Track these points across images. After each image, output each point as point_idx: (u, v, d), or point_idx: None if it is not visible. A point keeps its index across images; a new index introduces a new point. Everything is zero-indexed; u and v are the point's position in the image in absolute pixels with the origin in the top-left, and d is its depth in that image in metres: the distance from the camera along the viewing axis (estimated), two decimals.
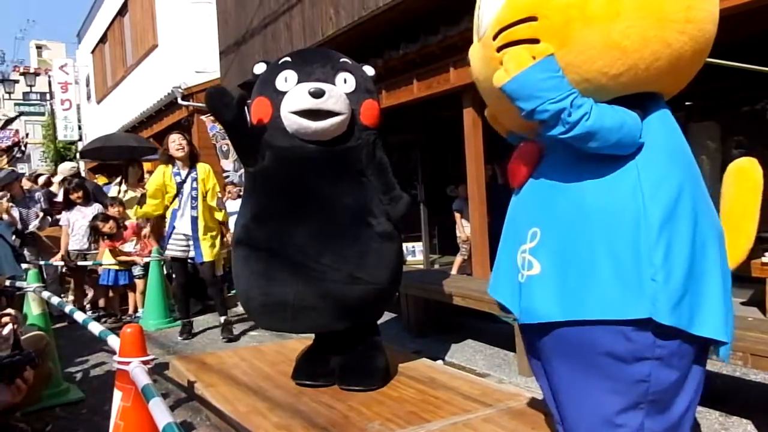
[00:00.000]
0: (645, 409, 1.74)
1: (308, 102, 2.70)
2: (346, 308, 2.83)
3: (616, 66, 1.68)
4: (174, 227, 4.86)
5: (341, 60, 2.99)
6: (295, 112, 2.74)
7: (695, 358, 1.77)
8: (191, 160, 4.90)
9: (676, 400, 1.77)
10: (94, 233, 5.90)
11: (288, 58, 2.97)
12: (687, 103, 5.49)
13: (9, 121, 12.20)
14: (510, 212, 2.05)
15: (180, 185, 4.81)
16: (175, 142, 4.85)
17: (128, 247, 5.94)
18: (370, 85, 3.03)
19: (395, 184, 2.97)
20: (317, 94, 2.69)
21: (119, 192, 6.52)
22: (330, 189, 2.82)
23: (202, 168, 4.95)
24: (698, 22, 1.69)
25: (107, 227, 5.84)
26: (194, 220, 4.82)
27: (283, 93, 2.80)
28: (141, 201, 6.52)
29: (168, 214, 4.92)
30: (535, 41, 1.69)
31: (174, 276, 5.26)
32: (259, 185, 2.95)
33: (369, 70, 3.12)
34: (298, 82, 2.80)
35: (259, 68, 3.05)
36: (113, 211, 5.97)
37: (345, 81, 2.88)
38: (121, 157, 7.01)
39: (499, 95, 1.78)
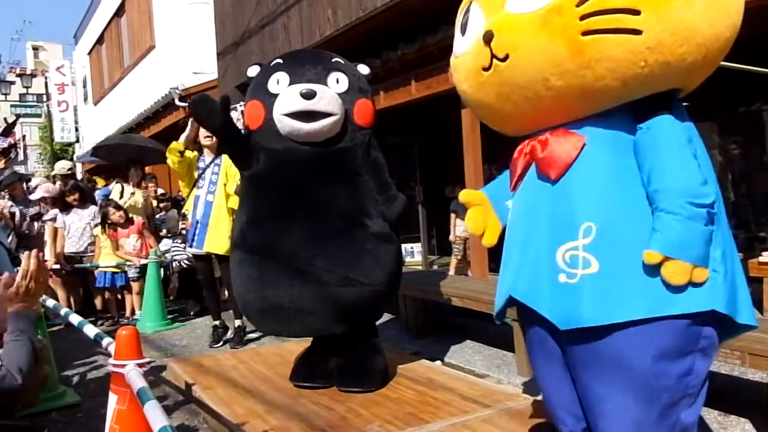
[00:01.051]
0: (683, 404, 1.74)
1: (300, 104, 2.68)
2: (342, 310, 2.81)
3: (694, 54, 1.62)
4: (197, 221, 4.63)
5: (333, 60, 2.96)
6: (287, 114, 2.72)
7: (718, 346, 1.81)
8: (219, 149, 4.81)
9: (703, 390, 1.77)
10: (103, 220, 5.87)
11: (280, 60, 2.95)
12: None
13: (10, 127, 12.18)
14: (537, 208, 1.85)
15: (202, 171, 4.70)
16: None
17: (128, 243, 5.90)
18: (363, 85, 3.00)
19: (391, 184, 2.96)
20: (309, 96, 2.67)
21: (121, 193, 6.48)
22: (324, 190, 2.81)
23: (227, 158, 4.84)
24: (736, 16, 1.68)
25: (117, 215, 5.82)
26: (208, 205, 4.59)
27: (275, 95, 2.78)
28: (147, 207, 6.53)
29: (189, 207, 4.79)
30: (636, 12, 1.57)
31: (200, 277, 5.03)
32: (254, 189, 2.94)
33: (363, 69, 3.09)
34: (290, 83, 2.77)
35: (253, 71, 3.02)
36: (116, 214, 5.92)
37: (337, 81, 2.85)
38: (130, 158, 6.96)
39: (579, 65, 1.65)
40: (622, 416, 1.74)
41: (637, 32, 1.57)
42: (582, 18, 1.61)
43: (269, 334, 3.57)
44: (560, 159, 1.77)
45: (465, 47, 1.91)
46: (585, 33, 1.61)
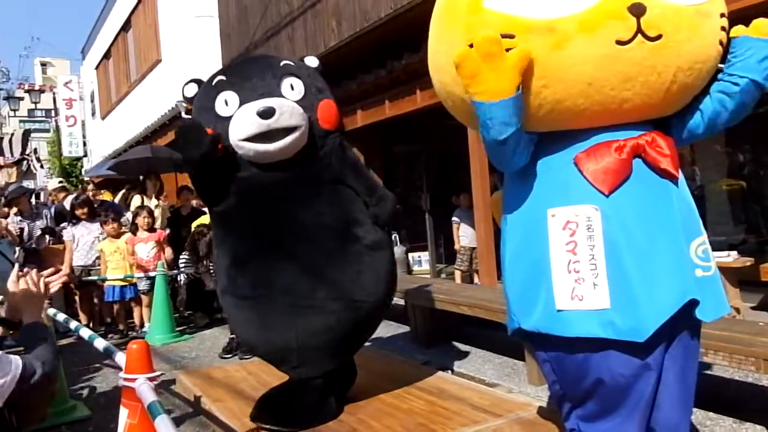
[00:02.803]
0: None
1: (258, 125, 2.38)
2: (352, 335, 2.73)
3: None
4: None
5: (282, 63, 2.65)
6: (247, 139, 2.43)
7: None
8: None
9: None
10: (133, 220, 5.97)
11: (222, 76, 2.62)
12: None
13: (24, 142, 12.28)
14: (660, 209, 1.75)
15: None
16: None
17: (143, 249, 5.90)
18: (320, 83, 2.70)
19: (377, 183, 2.85)
20: (267, 114, 2.36)
21: (143, 203, 6.52)
22: (305, 213, 2.58)
23: None
24: None
25: (145, 222, 5.87)
26: None
27: (227, 119, 2.47)
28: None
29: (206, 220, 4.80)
30: None
31: None
32: (230, 227, 2.71)
33: (312, 62, 2.80)
34: (241, 103, 2.46)
35: (191, 90, 2.69)
36: (108, 228, 5.95)
37: (292, 87, 2.55)
38: (144, 170, 7.02)
39: (699, 43, 1.69)
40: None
41: None
42: (722, 29, 1.72)
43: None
44: (676, 159, 1.82)
45: (578, 7, 1.60)
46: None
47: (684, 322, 1.76)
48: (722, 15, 1.73)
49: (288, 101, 2.48)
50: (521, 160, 1.84)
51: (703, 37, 1.69)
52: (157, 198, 6.70)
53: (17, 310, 1.91)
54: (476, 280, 6.36)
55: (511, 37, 1.61)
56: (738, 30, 1.76)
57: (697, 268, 1.76)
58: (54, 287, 2.06)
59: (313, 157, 2.59)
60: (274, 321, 2.60)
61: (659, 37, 1.60)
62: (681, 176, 1.83)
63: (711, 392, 3.13)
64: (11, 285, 1.92)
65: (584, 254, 1.71)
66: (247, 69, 2.63)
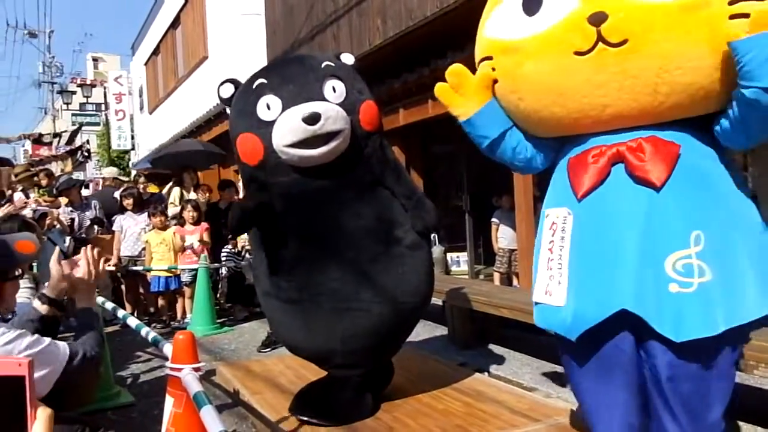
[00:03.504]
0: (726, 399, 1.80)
1: (304, 131, 2.35)
2: (394, 336, 2.76)
3: None
4: None
5: (323, 65, 2.56)
6: (292, 145, 2.40)
7: None
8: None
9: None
10: (180, 214, 6.16)
11: (263, 80, 2.54)
12: None
13: (73, 136, 12.71)
14: (626, 216, 1.76)
15: None
16: None
17: (189, 239, 6.06)
18: (359, 83, 2.64)
19: (415, 187, 2.86)
20: (313, 120, 2.33)
21: (181, 198, 6.68)
22: (347, 216, 2.57)
23: None
24: None
25: (191, 216, 6.04)
26: None
27: (270, 123, 2.42)
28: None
29: None
30: None
31: None
32: (272, 231, 2.69)
33: (348, 59, 2.74)
34: (284, 107, 2.41)
35: (227, 90, 2.66)
36: (155, 220, 6.10)
37: (334, 89, 2.49)
38: (183, 164, 7.18)
39: (710, 49, 1.59)
40: (704, 414, 1.76)
41: None
42: (732, 17, 1.55)
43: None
44: (663, 166, 1.71)
45: (542, 27, 1.76)
46: (733, 16, 1.55)
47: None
48: (731, 2, 1.54)
49: (332, 105, 2.43)
50: (532, 164, 2.09)
51: (687, 32, 1.59)
52: (195, 191, 6.84)
53: (73, 290, 1.99)
54: (515, 282, 6.29)
55: (490, 58, 1.90)
56: (737, 31, 1.54)
57: (672, 283, 1.67)
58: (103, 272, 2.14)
59: (355, 159, 2.55)
60: (319, 324, 2.61)
61: (624, 41, 1.62)
62: (678, 184, 1.71)
63: (761, 407, 3.03)
64: (53, 266, 1.99)
65: (556, 253, 1.87)
66: (288, 71, 2.56)
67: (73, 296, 2.02)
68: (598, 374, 1.87)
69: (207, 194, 7.12)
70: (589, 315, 1.78)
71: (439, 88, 2.02)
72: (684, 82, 1.64)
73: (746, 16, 1.52)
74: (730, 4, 1.56)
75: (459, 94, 2.00)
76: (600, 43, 1.64)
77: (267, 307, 2.85)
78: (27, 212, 5.11)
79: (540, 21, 1.77)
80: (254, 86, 2.53)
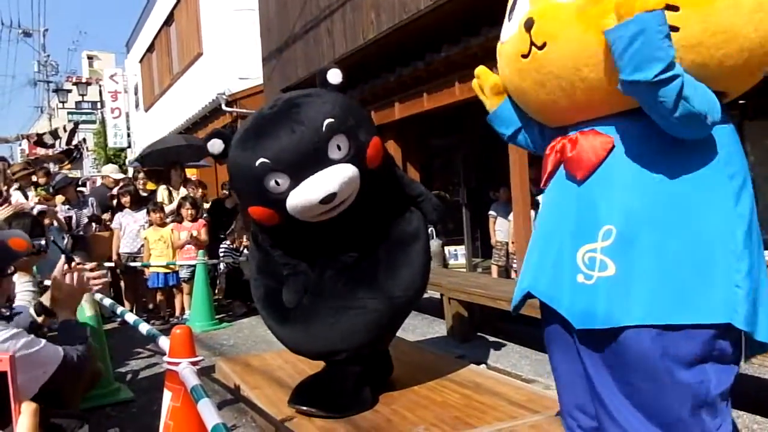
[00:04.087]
0: (704, 413, 1.68)
1: (320, 208, 2.40)
2: (390, 328, 2.83)
3: (735, 58, 1.56)
4: None
5: (325, 124, 2.40)
6: (311, 217, 2.46)
7: (736, 358, 1.74)
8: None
9: (725, 401, 1.72)
10: (177, 210, 6.12)
11: (264, 159, 2.38)
12: (741, 102, 5.30)
13: (71, 135, 12.69)
14: (562, 206, 1.86)
15: None
16: None
17: (186, 235, 6.06)
18: (362, 127, 2.54)
19: (421, 187, 2.96)
20: (329, 200, 2.37)
21: (170, 197, 6.66)
22: (349, 222, 2.60)
23: None
24: None
25: (188, 213, 6.03)
26: None
27: (283, 196, 2.40)
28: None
29: None
30: (675, 8, 1.52)
31: None
32: (268, 238, 2.81)
33: (335, 77, 2.63)
34: (293, 183, 2.38)
35: (216, 146, 2.61)
36: (154, 216, 6.09)
37: (339, 147, 2.42)
38: (170, 161, 7.14)
39: (584, 58, 1.62)
40: (633, 417, 1.73)
41: (674, 29, 1.51)
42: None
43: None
44: (587, 159, 1.76)
45: (509, 33, 1.90)
46: None
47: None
48: None
49: (342, 174, 2.39)
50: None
51: (585, 31, 1.62)
52: (185, 187, 6.83)
53: (58, 303, 2.01)
54: (513, 275, 6.30)
55: (496, 62, 2.05)
56: (608, 21, 1.52)
57: (579, 273, 1.74)
58: (96, 285, 2.16)
59: (362, 193, 2.54)
60: (320, 327, 2.66)
61: (544, 44, 1.71)
62: (601, 179, 1.73)
63: (757, 396, 3.05)
64: (57, 274, 2.01)
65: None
66: (288, 142, 2.38)
67: (55, 308, 2.05)
68: (552, 350, 2.03)
69: (198, 190, 7.10)
70: (516, 295, 2.04)
71: (473, 85, 2.21)
72: (596, 78, 1.66)
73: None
74: None
75: (483, 93, 2.17)
76: (533, 47, 1.75)
77: (266, 315, 2.88)
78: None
79: (510, 26, 1.91)
80: (257, 164, 2.40)
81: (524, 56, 1.78)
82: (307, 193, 2.36)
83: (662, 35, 1.45)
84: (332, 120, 2.43)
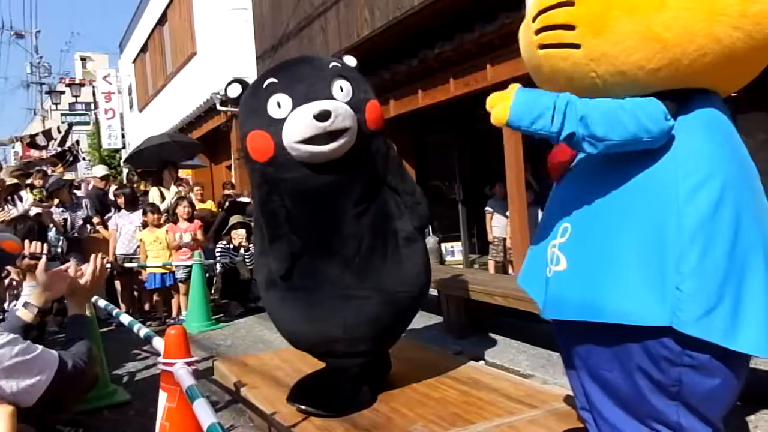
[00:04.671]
0: (679, 411, 1.69)
1: (315, 127, 2.43)
2: (393, 326, 2.80)
3: (655, 60, 1.59)
4: None
5: (331, 65, 2.67)
6: (303, 141, 2.47)
7: (734, 365, 1.67)
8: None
9: (711, 405, 1.70)
10: (173, 210, 6.10)
11: (273, 79, 2.61)
12: (733, 95, 5.30)
13: (65, 137, 12.64)
14: (547, 206, 2.02)
15: None
16: None
17: (185, 237, 6.03)
18: (364, 85, 2.74)
19: (415, 184, 2.93)
20: (324, 117, 2.42)
21: (162, 197, 6.64)
22: (354, 209, 2.65)
23: None
24: (755, 16, 1.56)
25: (185, 212, 6.00)
26: None
27: (281, 120, 2.50)
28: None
29: None
30: (570, 27, 1.62)
31: None
32: (277, 221, 2.73)
33: (351, 61, 2.85)
34: (294, 105, 2.49)
35: (234, 90, 2.75)
36: (151, 218, 6.06)
37: (341, 89, 2.58)
38: (160, 161, 7.10)
39: (547, 76, 1.79)
40: (612, 410, 1.80)
41: (575, 46, 1.62)
42: (536, 33, 1.72)
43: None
44: (558, 163, 1.91)
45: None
46: (540, 47, 1.73)
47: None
48: (533, 19, 1.73)
49: (340, 103, 2.51)
50: None
51: (531, 49, 1.83)
52: (176, 186, 6.80)
53: (71, 293, 2.00)
54: (510, 270, 6.31)
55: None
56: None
57: (547, 267, 1.87)
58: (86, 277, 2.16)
59: (361, 156, 2.63)
60: (323, 313, 2.64)
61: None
62: (568, 180, 1.89)
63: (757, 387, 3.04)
64: (40, 275, 2.00)
65: None
66: (298, 71, 2.64)
67: (68, 300, 2.03)
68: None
69: (191, 188, 7.07)
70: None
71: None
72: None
73: (543, 29, 1.70)
74: (533, 20, 1.74)
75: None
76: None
77: (269, 298, 2.85)
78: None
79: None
80: (264, 85, 2.59)
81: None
82: (304, 110, 2.45)
83: (531, 122, 1.65)
84: (338, 64, 2.71)
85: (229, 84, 2.77)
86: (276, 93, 2.53)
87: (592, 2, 1.60)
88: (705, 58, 1.60)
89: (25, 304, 2.02)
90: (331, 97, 2.52)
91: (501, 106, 1.67)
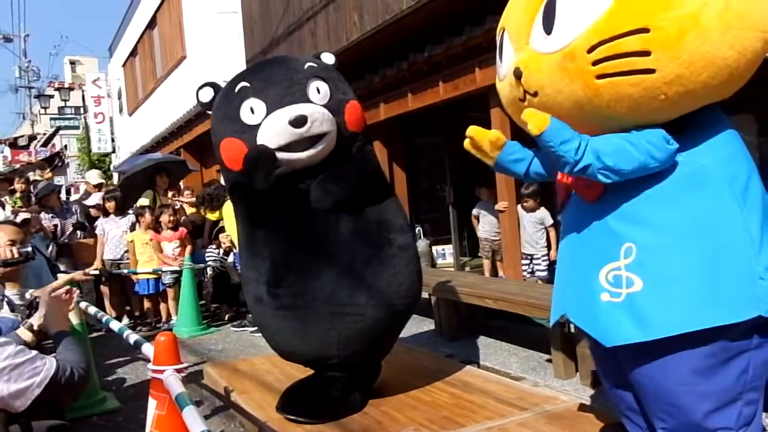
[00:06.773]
0: (743, 400, 1.79)
1: (291, 134, 2.32)
2: (387, 336, 2.79)
3: (718, 77, 1.69)
4: None
5: (307, 65, 2.52)
6: (279, 149, 2.36)
7: None
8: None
9: (762, 382, 1.84)
10: (157, 219, 6.03)
11: (245, 83, 2.48)
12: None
13: (50, 138, 12.62)
14: (581, 228, 1.96)
15: None
16: None
17: (169, 247, 6.01)
18: (343, 85, 2.61)
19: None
20: (299, 123, 2.30)
21: (155, 200, 6.61)
22: (338, 219, 2.52)
23: None
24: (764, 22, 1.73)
25: (169, 221, 5.96)
26: None
27: (255, 127, 2.38)
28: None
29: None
30: (646, 54, 1.65)
31: None
32: (260, 237, 2.65)
33: (329, 59, 2.71)
34: (269, 111, 2.37)
35: (206, 94, 2.62)
36: (146, 219, 6.04)
37: (318, 90, 2.45)
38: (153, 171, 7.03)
39: (605, 105, 1.76)
40: (682, 418, 1.81)
41: (650, 71, 1.65)
42: (594, 63, 1.70)
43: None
44: (595, 183, 1.85)
45: (503, 74, 2.03)
46: (599, 77, 1.70)
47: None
48: (590, 49, 1.69)
49: (317, 107, 2.40)
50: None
51: (572, 81, 1.75)
52: (165, 195, 6.77)
53: (46, 319, 2.00)
54: (500, 272, 6.32)
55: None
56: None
57: (604, 292, 1.83)
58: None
59: (341, 160, 2.51)
60: (316, 330, 2.57)
61: (536, 93, 1.84)
62: (611, 199, 1.86)
63: None
64: (44, 297, 2.00)
65: None
66: (271, 73, 2.49)
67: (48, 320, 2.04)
68: (596, 360, 2.18)
69: (179, 194, 7.02)
70: (553, 315, 2.13)
71: (466, 145, 2.24)
72: (588, 121, 1.81)
73: (608, 59, 1.68)
74: (588, 52, 1.70)
75: (480, 151, 2.22)
76: (527, 94, 1.88)
77: (259, 314, 2.76)
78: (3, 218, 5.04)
79: (503, 67, 2.03)
80: (236, 90, 2.46)
81: (521, 100, 1.91)
82: (278, 116, 2.35)
83: (560, 143, 1.73)
84: (314, 65, 2.56)
85: (201, 88, 2.63)
86: (249, 97, 2.41)
87: (668, 27, 1.63)
88: (747, 71, 1.75)
89: (25, 323, 2.04)
90: (308, 101, 2.40)
91: (540, 117, 1.74)
